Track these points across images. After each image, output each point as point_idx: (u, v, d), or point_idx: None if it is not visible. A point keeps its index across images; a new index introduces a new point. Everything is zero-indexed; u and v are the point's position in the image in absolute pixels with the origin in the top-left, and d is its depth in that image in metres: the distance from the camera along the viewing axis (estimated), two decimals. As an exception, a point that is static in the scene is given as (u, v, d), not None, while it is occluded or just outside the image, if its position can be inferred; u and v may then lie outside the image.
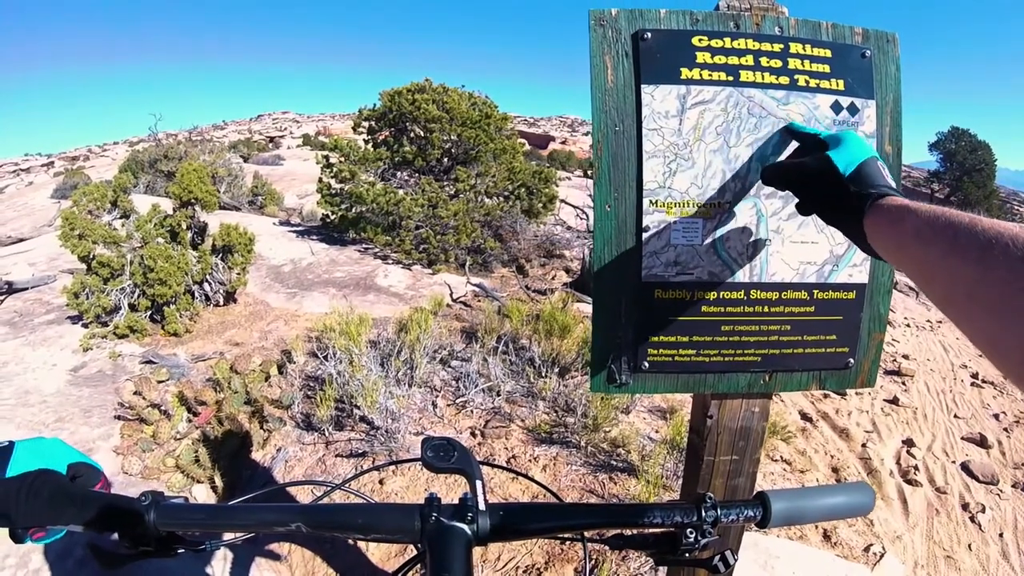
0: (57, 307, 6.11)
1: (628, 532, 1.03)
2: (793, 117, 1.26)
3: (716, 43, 1.25)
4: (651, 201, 1.25)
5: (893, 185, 0.98)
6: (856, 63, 1.31)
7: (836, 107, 1.29)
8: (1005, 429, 5.72)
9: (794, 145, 1.25)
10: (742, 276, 1.29)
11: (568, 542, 3.04)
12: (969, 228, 0.68)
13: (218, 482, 3.58)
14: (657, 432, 4.19)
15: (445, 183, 9.18)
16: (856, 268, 1.33)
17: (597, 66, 1.25)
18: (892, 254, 0.87)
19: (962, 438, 5.50)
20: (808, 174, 1.07)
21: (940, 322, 9.20)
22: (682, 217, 1.26)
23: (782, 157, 1.27)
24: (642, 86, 1.24)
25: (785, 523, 1.01)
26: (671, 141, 1.24)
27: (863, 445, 5.07)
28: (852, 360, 1.39)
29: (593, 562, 2.95)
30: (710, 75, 1.25)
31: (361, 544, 3.08)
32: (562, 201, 11.20)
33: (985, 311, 0.63)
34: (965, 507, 4.42)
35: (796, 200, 1.13)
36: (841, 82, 1.29)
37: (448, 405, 4.36)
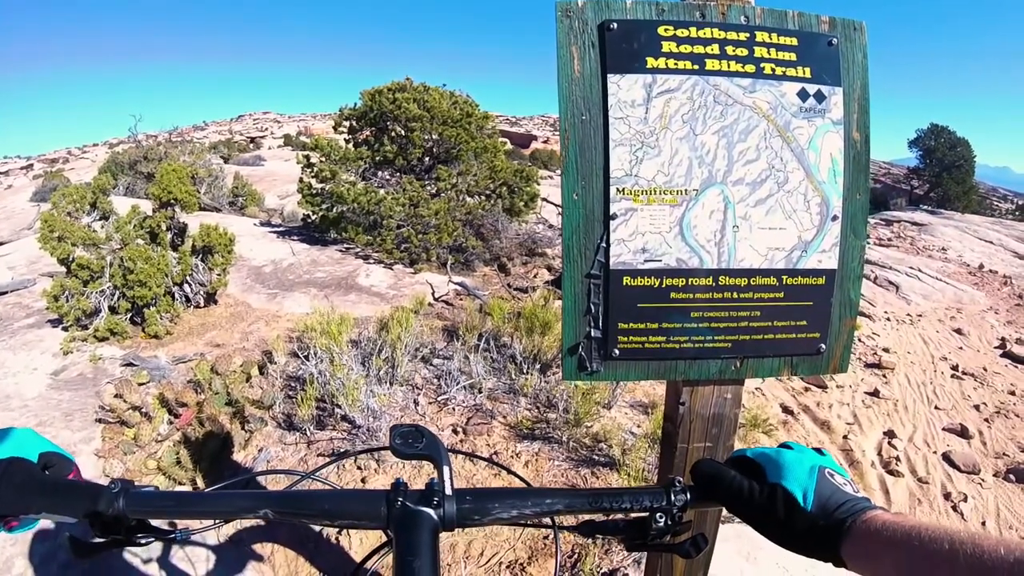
0: (37, 311, 6.05)
1: (600, 519, 1.03)
2: (759, 105, 1.27)
3: (682, 32, 1.26)
4: (618, 189, 1.26)
5: (856, 493, 0.88)
6: (823, 51, 1.32)
7: (803, 94, 1.30)
8: (986, 419, 5.77)
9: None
10: (710, 262, 1.30)
11: (552, 536, 3.05)
12: (951, 557, 0.62)
13: (200, 483, 3.56)
14: (639, 427, 4.20)
15: (426, 182, 9.16)
16: (825, 254, 1.34)
17: (564, 57, 1.26)
18: None
19: (943, 429, 5.55)
20: (759, 510, 0.92)
21: (920, 316, 9.27)
22: (649, 204, 1.27)
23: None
24: (608, 76, 1.25)
25: None
26: (637, 129, 1.25)
27: (845, 437, 5.11)
28: (823, 345, 1.40)
29: (576, 555, 2.95)
30: (676, 64, 1.26)
31: (344, 543, 3.08)
32: (544, 199, 11.20)
33: None
34: (947, 497, 4.46)
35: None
36: (808, 70, 1.31)
37: (430, 403, 4.35)
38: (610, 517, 1.03)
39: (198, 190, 10.02)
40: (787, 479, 0.90)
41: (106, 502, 0.89)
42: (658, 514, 0.97)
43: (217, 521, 1.07)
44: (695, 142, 1.26)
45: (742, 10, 1.30)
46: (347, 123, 9.82)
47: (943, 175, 31.92)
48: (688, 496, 0.98)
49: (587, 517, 1.03)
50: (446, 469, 0.93)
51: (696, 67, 1.26)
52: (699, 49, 1.26)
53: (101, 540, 0.91)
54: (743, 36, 1.28)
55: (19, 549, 2.89)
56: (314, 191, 9.18)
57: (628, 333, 1.32)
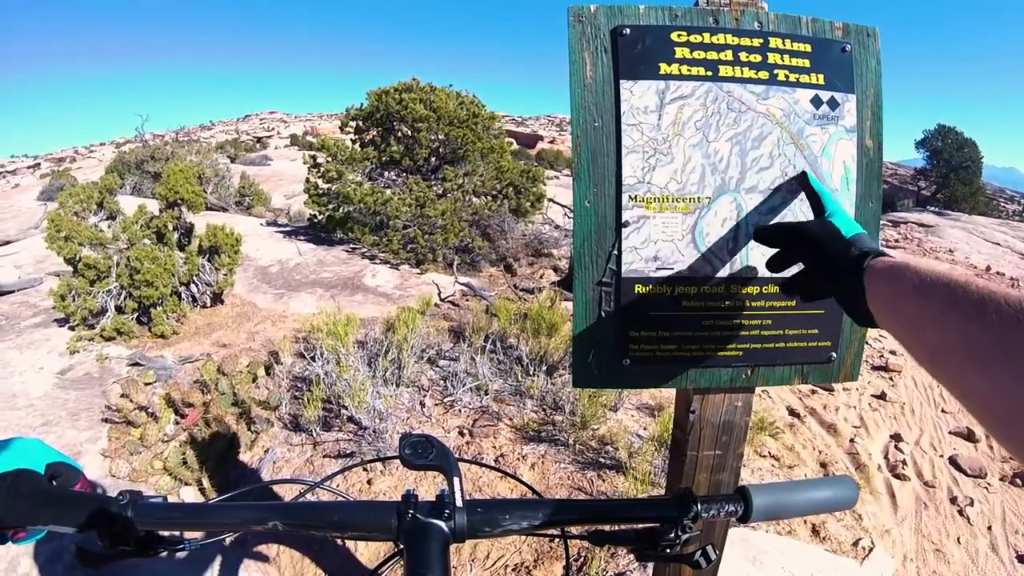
0: (44, 310, 6.08)
1: (609, 528, 1.03)
2: (772, 112, 1.26)
3: (695, 38, 1.25)
4: (630, 196, 1.25)
5: (885, 252, 1.00)
6: (836, 57, 1.31)
7: (816, 101, 1.29)
8: (992, 423, 5.75)
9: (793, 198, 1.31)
10: (723, 271, 1.29)
11: (557, 540, 3.04)
12: (964, 286, 0.70)
13: (206, 484, 3.57)
14: (645, 429, 4.19)
15: (433, 182, 9.16)
16: (837, 262, 1.34)
17: (576, 62, 1.25)
18: (888, 310, 0.88)
19: (949, 432, 5.53)
20: (811, 235, 1.09)
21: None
22: (661, 212, 1.26)
23: (792, 205, 1.30)
24: (621, 82, 1.24)
25: (767, 518, 1.01)
26: (650, 136, 1.24)
27: (851, 440, 5.09)
28: (835, 354, 1.39)
29: (582, 559, 2.95)
30: (689, 70, 1.25)
31: (350, 544, 3.08)
32: (550, 200, 11.19)
33: (976, 368, 0.65)
34: (953, 501, 4.44)
35: (781, 262, 1.16)
36: (821, 76, 1.30)
37: (436, 404, 4.35)
38: (620, 527, 1.02)
39: (204, 190, 10.05)
40: (837, 219, 1.10)
41: (114, 514, 0.88)
42: (668, 525, 0.97)
43: (226, 533, 1.06)
44: (708, 149, 1.25)
45: (756, 16, 1.29)
46: (353, 123, 9.83)
47: (950, 176, 31.88)
48: (698, 507, 0.98)
49: (597, 527, 1.03)
50: (456, 480, 0.93)
51: (709, 73, 1.25)
52: (712, 55, 1.25)
53: (109, 551, 0.91)
54: (757, 42, 1.27)
55: (24, 548, 2.90)
56: (320, 191, 9.19)
57: (639, 341, 1.31)
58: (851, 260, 0.97)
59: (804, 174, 1.26)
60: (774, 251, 1.18)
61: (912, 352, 0.80)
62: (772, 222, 1.25)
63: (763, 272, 1.30)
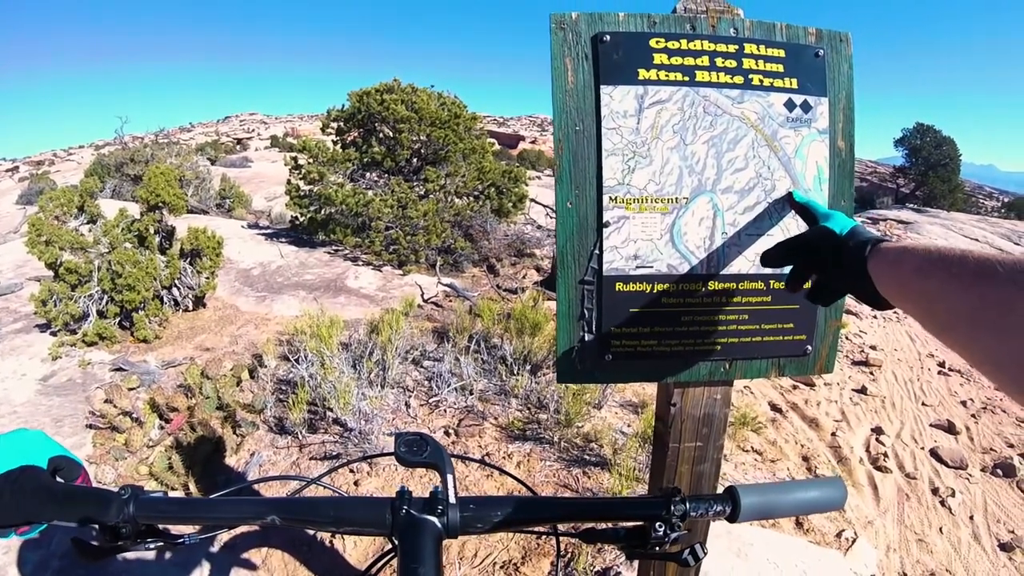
0: (25, 315, 6.03)
1: (599, 526, 1.05)
2: (747, 115, 1.30)
3: (673, 44, 1.28)
4: (611, 198, 1.29)
5: (884, 237, 1.04)
6: (809, 62, 1.34)
7: (789, 105, 1.33)
8: (972, 415, 5.83)
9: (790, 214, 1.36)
10: (700, 268, 1.32)
11: (544, 537, 3.07)
12: (961, 259, 0.75)
13: (192, 488, 3.56)
14: (629, 426, 4.23)
15: (415, 183, 9.16)
16: (812, 259, 1.37)
17: (558, 68, 1.28)
18: (896, 292, 0.92)
19: (930, 425, 5.59)
20: (810, 242, 1.14)
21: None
22: (641, 212, 1.30)
23: (783, 221, 1.36)
24: (601, 87, 1.27)
25: (755, 517, 1.04)
26: (629, 139, 1.28)
27: (833, 434, 5.14)
28: (810, 347, 1.43)
29: (569, 555, 2.97)
30: (667, 75, 1.28)
31: (339, 546, 3.09)
32: (532, 200, 11.21)
33: (984, 332, 0.68)
34: (935, 492, 4.49)
35: (797, 277, 1.18)
36: (794, 81, 1.33)
37: (421, 405, 4.37)
38: (610, 525, 1.05)
39: (185, 192, 10.00)
40: (830, 222, 1.15)
41: (116, 508, 0.90)
42: (657, 523, 0.99)
43: (224, 527, 1.08)
44: (685, 151, 1.29)
45: (731, 23, 1.32)
46: (335, 124, 9.81)
47: (929, 174, 32.12)
48: (687, 506, 1.00)
49: (587, 524, 1.05)
50: (450, 477, 0.95)
51: (686, 78, 1.28)
52: (689, 61, 1.28)
53: (109, 544, 0.93)
54: (732, 48, 1.30)
55: (10, 558, 2.89)
56: (302, 193, 9.17)
57: (621, 337, 1.34)
58: (851, 255, 1.02)
59: (790, 194, 1.32)
60: (772, 262, 1.23)
61: (927, 328, 0.84)
62: (772, 244, 1.26)
63: (738, 269, 1.34)
